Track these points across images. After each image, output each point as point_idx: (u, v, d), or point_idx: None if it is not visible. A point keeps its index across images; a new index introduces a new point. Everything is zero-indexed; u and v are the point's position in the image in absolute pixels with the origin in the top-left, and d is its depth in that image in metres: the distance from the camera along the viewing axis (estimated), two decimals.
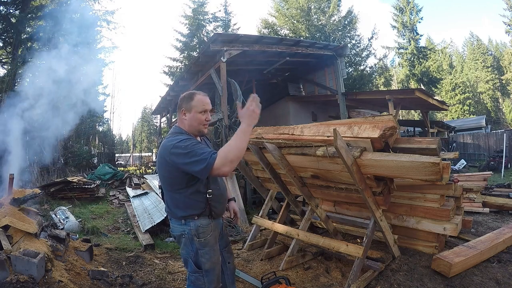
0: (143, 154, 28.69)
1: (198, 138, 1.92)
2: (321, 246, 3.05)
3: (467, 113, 31.24)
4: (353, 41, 20.18)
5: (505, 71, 32.10)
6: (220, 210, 1.94)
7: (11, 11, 11.45)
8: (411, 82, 26.51)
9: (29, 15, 11.03)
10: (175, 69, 21.58)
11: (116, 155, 21.09)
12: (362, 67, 20.18)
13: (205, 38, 21.02)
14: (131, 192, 7.62)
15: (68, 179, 7.41)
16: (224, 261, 2.13)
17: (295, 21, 19.74)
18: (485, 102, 34.71)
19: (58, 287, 2.32)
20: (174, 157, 1.68)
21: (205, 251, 1.82)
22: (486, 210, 5.03)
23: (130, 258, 3.51)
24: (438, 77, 25.73)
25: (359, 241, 3.40)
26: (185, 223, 1.81)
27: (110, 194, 8.33)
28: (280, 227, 3.49)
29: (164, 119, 16.95)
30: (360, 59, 20.14)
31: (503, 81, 33.13)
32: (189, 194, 1.78)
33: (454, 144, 16.31)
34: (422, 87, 24.02)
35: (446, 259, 2.58)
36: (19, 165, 4.29)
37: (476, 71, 35.98)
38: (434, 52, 26.86)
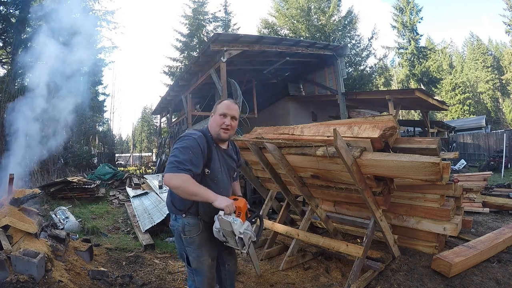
0: (143, 154, 28.71)
1: (224, 146, 1.95)
2: (321, 246, 3.05)
3: (467, 113, 31.23)
4: (353, 41, 20.20)
5: (505, 71, 32.11)
6: (209, 212, 1.79)
7: (11, 11, 11.44)
8: (411, 82, 26.52)
9: (29, 15, 11.03)
10: (175, 69, 21.59)
11: (116, 155, 21.10)
12: (362, 67, 20.20)
13: (205, 38, 21.02)
14: (131, 192, 7.61)
15: (68, 179, 7.41)
16: (223, 262, 2.09)
17: (295, 21, 19.73)
18: (485, 102, 34.71)
19: (58, 287, 2.32)
20: (174, 146, 1.78)
21: (191, 249, 1.83)
22: (486, 210, 5.03)
23: (130, 258, 3.50)
24: (438, 77, 25.75)
25: (359, 241, 3.40)
26: (175, 218, 1.88)
27: (110, 194, 8.32)
28: (280, 227, 3.49)
29: (164, 119, 16.93)
30: (360, 59, 20.16)
31: (503, 81, 33.14)
32: None
33: (454, 144, 16.31)
34: (422, 87, 24.03)
35: (446, 259, 2.59)
36: (19, 165, 4.29)
37: (476, 71, 35.98)
38: (434, 52, 26.88)
